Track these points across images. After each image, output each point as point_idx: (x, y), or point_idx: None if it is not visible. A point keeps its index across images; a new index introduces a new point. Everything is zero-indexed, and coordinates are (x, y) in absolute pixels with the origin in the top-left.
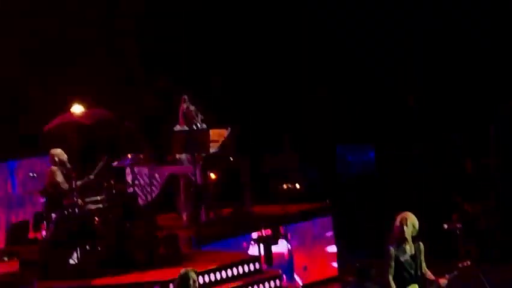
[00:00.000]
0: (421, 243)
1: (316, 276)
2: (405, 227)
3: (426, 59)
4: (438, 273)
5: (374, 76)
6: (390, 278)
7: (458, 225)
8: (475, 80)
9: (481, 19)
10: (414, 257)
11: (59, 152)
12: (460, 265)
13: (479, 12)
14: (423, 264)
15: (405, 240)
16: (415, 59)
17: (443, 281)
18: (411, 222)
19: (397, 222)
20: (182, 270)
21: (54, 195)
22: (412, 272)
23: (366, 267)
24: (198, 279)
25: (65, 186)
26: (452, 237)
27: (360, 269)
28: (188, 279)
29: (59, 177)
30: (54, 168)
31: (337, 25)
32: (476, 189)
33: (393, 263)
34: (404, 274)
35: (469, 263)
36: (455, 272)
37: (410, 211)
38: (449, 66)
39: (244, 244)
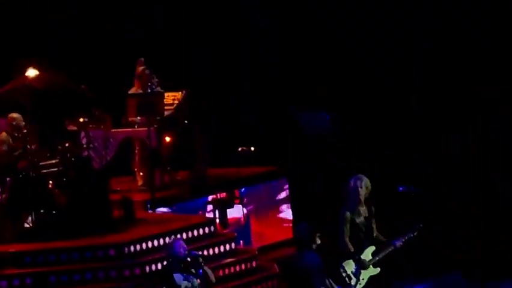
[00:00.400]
0: (372, 206)
1: (271, 239)
2: (360, 189)
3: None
4: (392, 236)
5: (329, 41)
6: (347, 240)
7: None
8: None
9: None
10: (368, 219)
11: (16, 117)
12: (414, 227)
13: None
14: (375, 226)
15: (360, 202)
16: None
17: (398, 243)
18: (365, 184)
19: (352, 185)
20: (172, 240)
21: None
22: (367, 233)
23: (308, 234)
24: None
25: (16, 152)
26: (406, 200)
27: (301, 235)
28: (180, 248)
29: (6, 146)
30: (3, 136)
31: None
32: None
33: (348, 226)
34: (360, 235)
35: (421, 225)
36: (410, 234)
37: (364, 174)
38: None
39: (199, 207)
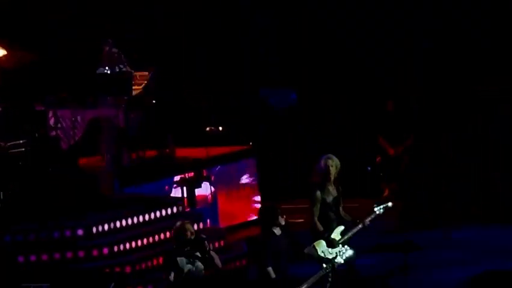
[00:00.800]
0: (340, 186)
1: (239, 218)
2: (331, 169)
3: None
4: (361, 214)
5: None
6: (316, 219)
7: (381, 167)
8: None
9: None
10: (337, 198)
11: None
12: (379, 205)
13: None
14: (342, 206)
15: (330, 182)
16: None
17: (366, 221)
18: (335, 164)
19: (322, 165)
20: (178, 223)
21: None
22: (336, 212)
23: (272, 214)
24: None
25: None
26: (375, 179)
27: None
28: (186, 231)
29: None
30: None
31: None
32: (398, 131)
33: (319, 205)
34: (329, 214)
35: (390, 204)
36: (377, 212)
37: (333, 153)
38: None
39: (167, 187)
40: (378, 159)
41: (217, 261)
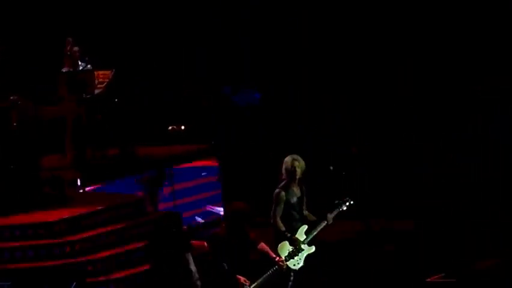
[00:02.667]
0: (304, 186)
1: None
2: (297, 168)
3: None
4: (324, 212)
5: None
6: (279, 219)
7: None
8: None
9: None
10: (301, 198)
11: None
12: (341, 201)
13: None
14: (305, 206)
15: (294, 182)
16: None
17: (329, 218)
18: (301, 164)
19: (288, 165)
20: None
21: None
22: (300, 212)
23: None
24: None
25: None
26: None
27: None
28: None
29: None
30: None
31: None
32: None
33: (282, 205)
34: (293, 214)
35: (352, 202)
36: (340, 209)
37: (298, 152)
38: None
39: (129, 186)
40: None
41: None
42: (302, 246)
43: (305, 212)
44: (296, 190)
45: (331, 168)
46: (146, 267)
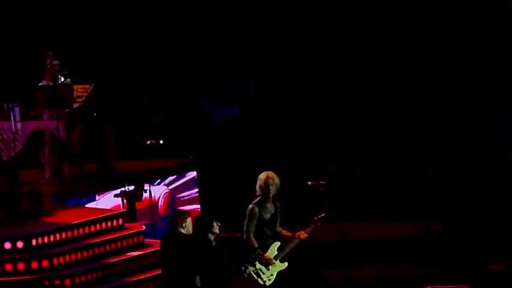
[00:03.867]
0: (278, 202)
1: None
2: (271, 186)
3: None
4: (298, 229)
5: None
6: (251, 235)
7: (322, 183)
8: None
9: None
10: (274, 215)
11: None
12: (315, 218)
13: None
14: (279, 222)
15: (268, 199)
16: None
17: (303, 235)
18: (275, 182)
19: (262, 182)
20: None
21: None
22: (273, 229)
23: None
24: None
25: None
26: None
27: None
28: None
29: None
30: None
31: None
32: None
33: (255, 222)
34: (266, 231)
35: (323, 215)
36: (313, 225)
37: (273, 169)
38: None
39: (108, 200)
40: (318, 174)
41: None
42: (273, 263)
43: (278, 229)
44: (270, 207)
45: (309, 183)
46: (126, 280)
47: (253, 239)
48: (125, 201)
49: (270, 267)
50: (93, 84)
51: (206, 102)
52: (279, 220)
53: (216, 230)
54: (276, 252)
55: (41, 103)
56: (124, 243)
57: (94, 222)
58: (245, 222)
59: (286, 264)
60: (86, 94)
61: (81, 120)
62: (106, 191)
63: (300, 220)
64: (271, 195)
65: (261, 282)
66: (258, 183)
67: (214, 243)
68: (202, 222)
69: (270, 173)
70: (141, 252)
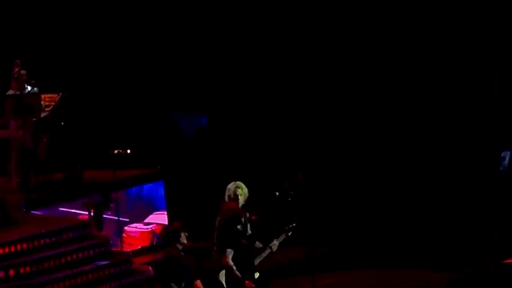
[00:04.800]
0: (247, 212)
1: (146, 241)
2: (240, 197)
3: None
4: (269, 239)
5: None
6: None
7: (290, 192)
8: None
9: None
10: (245, 225)
11: None
12: (286, 228)
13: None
14: (250, 232)
15: (239, 208)
16: None
17: (274, 246)
18: (244, 191)
19: (231, 192)
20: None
21: None
22: (245, 239)
23: (174, 230)
24: None
25: None
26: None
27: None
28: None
29: None
30: None
31: None
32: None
33: (229, 232)
34: (239, 241)
35: (294, 225)
36: (283, 235)
37: (242, 178)
38: None
39: (74, 209)
40: (286, 184)
41: None
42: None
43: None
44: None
45: (277, 194)
46: None
47: (227, 249)
48: (92, 210)
49: None
50: (61, 94)
51: (174, 112)
52: (250, 230)
53: (184, 240)
54: None
55: (8, 112)
56: (91, 252)
57: (60, 231)
58: (215, 234)
59: (257, 274)
60: (53, 103)
61: (48, 129)
62: (73, 200)
63: (269, 230)
64: (240, 205)
65: None
66: (227, 193)
67: (182, 253)
68: (169, 232)
69: (238, 183)
70: (108, 262)
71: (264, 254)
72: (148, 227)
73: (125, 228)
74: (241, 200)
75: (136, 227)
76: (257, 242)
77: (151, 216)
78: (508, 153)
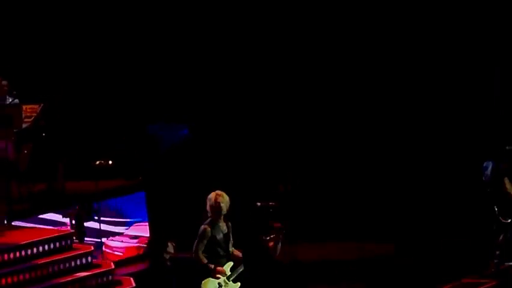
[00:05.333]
0: (229, 222)
1: (129, 253)
2: (221, 204)
3: None
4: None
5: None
6: (200, 253)
7: (271, 203)
8: None
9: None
10: (227, 235)
11: None
12: (267, 238)
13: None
14: (231, 243)
15: (220, 218)
16: None
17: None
18: (225, 200)
19: (212, 201)
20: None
21: None
22: (225, 249)
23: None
24: None
25: None
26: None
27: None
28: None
29: None
30: None
31: None
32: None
33: (205, 242)
34: (218, 251)
35: (274, 235)
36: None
37: (223, 189)
38: None
39: (56, 220)
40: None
41: None
42: (227, 281)
43: (231, 249)
44: (222, 226)
45: (258, 204)
46: None
47: (202, 256)
48: (74, 221)
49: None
50: (42, 105)
51: (155, 123)
52: (231, 240)
53: (171, 250)
54: (229, 273)
55: None
56: (72, 263)
57: (42, 242)
58: (195, 242)
59: (239, 284)
60: (34, 114)
61: (29, 140)
62: (54, 211)
63: (250, 241)
64: (222, 214)
65: None
66: (208, 203)
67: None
68: (156, 242)
69: (219, 192)
70: (89, 273)
71: (240, 269)
72: (135, 240)
73: (107, 242)
74: (223, 208)
75: (122, 241)
76: (237, 252)
77: (132, 227)
78: (490, 163)
